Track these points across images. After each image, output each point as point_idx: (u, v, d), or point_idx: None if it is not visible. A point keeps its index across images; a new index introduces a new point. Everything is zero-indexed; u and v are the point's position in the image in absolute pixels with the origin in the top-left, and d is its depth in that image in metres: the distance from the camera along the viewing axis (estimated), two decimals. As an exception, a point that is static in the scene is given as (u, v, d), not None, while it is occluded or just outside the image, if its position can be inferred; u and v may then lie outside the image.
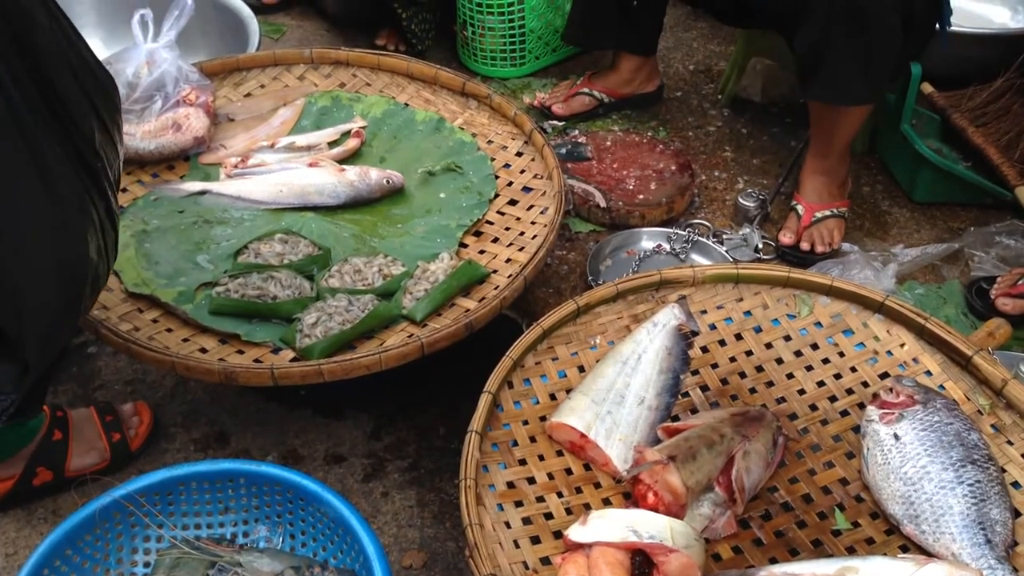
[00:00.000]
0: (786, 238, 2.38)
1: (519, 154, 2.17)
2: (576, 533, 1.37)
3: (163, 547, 1.53)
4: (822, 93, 2.23)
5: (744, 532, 1.47)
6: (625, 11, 2.61)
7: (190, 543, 1.52)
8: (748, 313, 1.78)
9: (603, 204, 2.42)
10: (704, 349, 1.73)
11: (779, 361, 1.72)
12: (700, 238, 2.39)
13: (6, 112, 1.24)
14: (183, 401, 2.02)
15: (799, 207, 2.38)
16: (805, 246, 2.35)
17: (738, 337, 1.75)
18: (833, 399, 1.66)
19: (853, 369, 1.70)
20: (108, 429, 1.86)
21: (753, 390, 1.67)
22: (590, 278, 2.24)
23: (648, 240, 2.40)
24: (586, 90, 2.77)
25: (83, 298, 1.47)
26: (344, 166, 2.09)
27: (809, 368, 1.71)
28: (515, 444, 1.57)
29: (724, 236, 2.41)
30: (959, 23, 2.65)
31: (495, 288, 1.84)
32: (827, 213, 2.37)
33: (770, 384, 1.68)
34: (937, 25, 2.29)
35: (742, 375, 1.70)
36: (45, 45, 1.31)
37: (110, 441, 1.85)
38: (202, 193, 2.04)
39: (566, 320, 1.72)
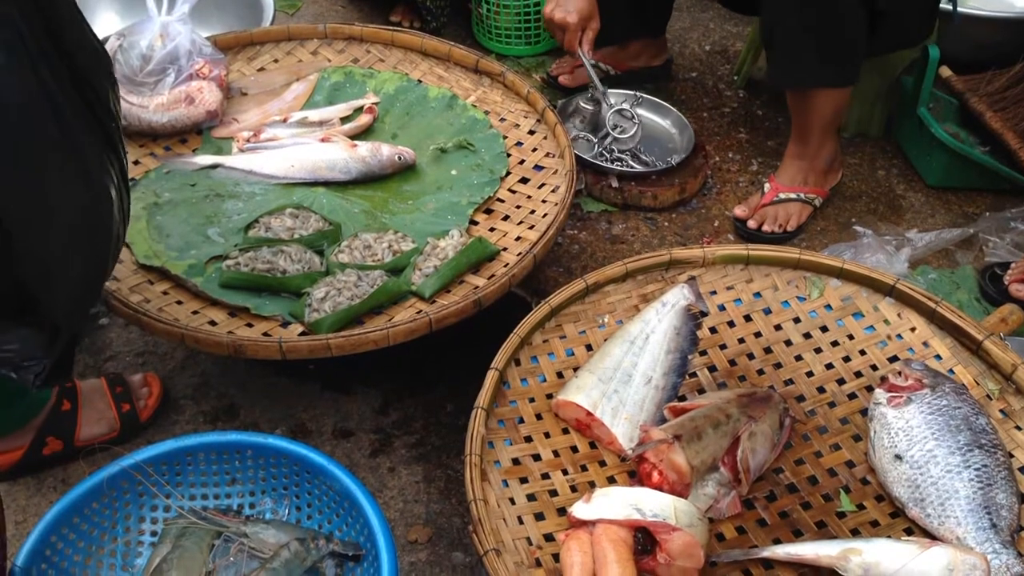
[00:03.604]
0: (739, 210, 2.38)
1: (531, 132, 2.17)
2: (580, 510, 1.38)
3: (170, 516, 1.54)
4: (780, 77, 2.25)
5: (748, 512, 1.47)
6: (639, 7, 2.61)
7: (197, 513, 1.53)
8: (758, 294, 1.77)
9: (616, 184, 2.42)
10: (713, 330, 1.73)
11: (788, 343, 1.71)
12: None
13: (34, 80, 1.25)
14: (193, 373, 2.03)
15: (767, 184, 2.38)
16: (752, 224, 2.34)
17: (747, 318, 1.74)
18: (841, 382, 1.66)
19: (862, 352, 1.69)
20: (118, 400, 1.87)
21: (761, 371, 1.67)
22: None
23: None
24: (592, 61, 2.76)
25: (109, 257, 1.49)
26: (356, 142, 2.09)
27: (818, 350, 1.70)
28: (521, 421, 1.57)
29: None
30: (980, 7, 2.63)
31: (504, 266, 1.84)
32: (792, 196, 2.35)
33: (778, 366, 1.68)
34: (950, 5, 2.27)
35: (750, 356, 1.69)
36: (60, 3, 1.32)
37: (120, 411, 1.86)
38: (214, 167, 2.04)
39: (574, 299, 1.71)
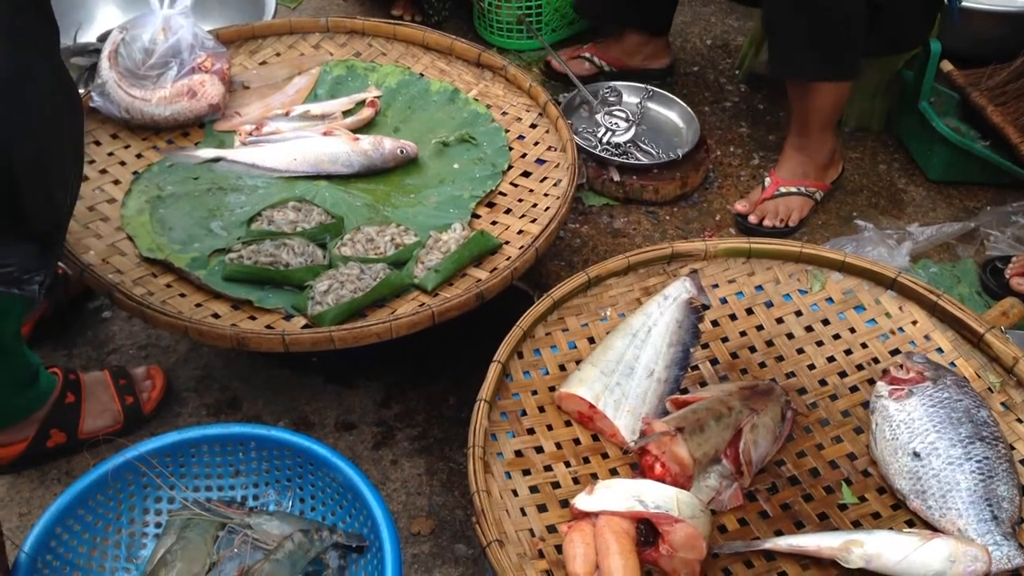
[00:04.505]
0: (740, 206, 2.39)
1: (533, 126, 2.17)
2: (583, 502, 1.38)
3: (174, 508, 1.55)
4: (777, 68, 2.26)
5: (750, 504, 1.48)
6: None
7: (201, 505, 1.54)
8: (759, 287, 1.77)
9: (617, 178, 2.42)
10: (715, 323, 1.73)
11: (790, 336, 1.72)
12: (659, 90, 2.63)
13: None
14: (196, 366, 2.04)
15: (767, 179, 2.39)
16: (753, 219, 2.35)
17: (749, 311, 1.75)
18: (843, 374, 1.66)
19: (864, 345, 1.70)
20: (121, 392, 1.88)
21: (763, 364, 1.67)
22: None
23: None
24: (587, 55, 2.77)
25: (83, 141, 1.61)
26: (358, 135, 2.09)
27: (820, 343, 1.70)
28: (524, 413, 1.57)
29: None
30: (981, 1, 2.63)
31: (507, 259, 1.85)
32: (793, 190, 2.36)
33: (780, 358, 1.68)
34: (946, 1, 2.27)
35: (752, 349, 1.70)
36: None
37: (123, 404, 1.87)
38: (216, 160, 2.04)
39: (577, 291, 1.72)
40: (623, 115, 2.53)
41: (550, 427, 1.57)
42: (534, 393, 1.60)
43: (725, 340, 1.71)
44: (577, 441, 1.56)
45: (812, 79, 2.23)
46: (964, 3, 2.55)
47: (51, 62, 1.42)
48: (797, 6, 2.11)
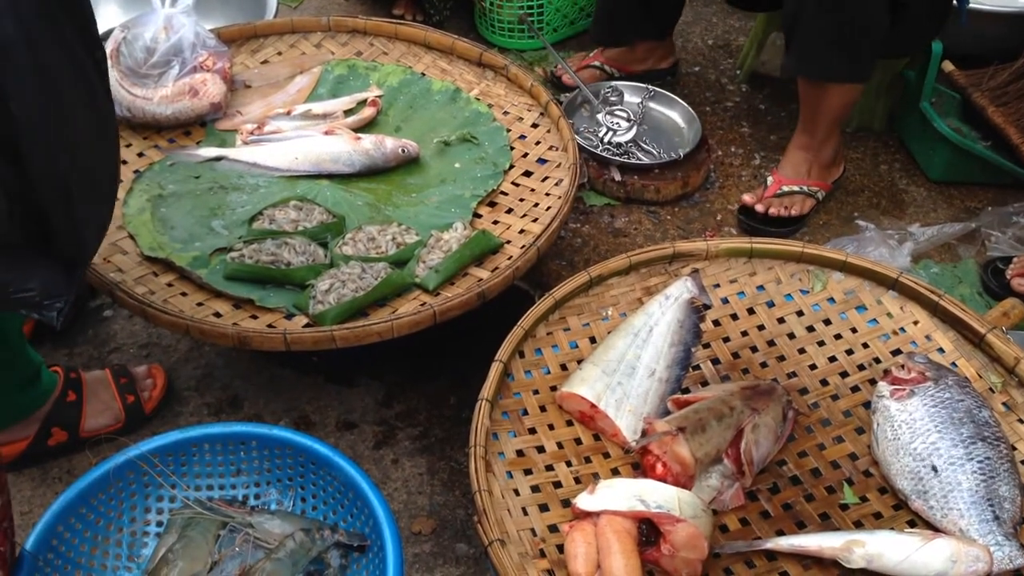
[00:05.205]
0: (747, 197, 2.39)
1: (535, 125, 2.17)
2: (584, 501, 1.38)
3: (176, 507, 1.55)
4: (796, 66, 2.24)
5: (752, 504, 1.48)
6: (647, 4, 2.61)
7: (202, 503, 1.54)
8: (761, 287, 1.77)
9: (618, 178, 2.42)
10: (716, 323, 1.73)
11: (791, 336, 1.72)
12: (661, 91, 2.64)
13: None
14: (197, 365, 2.04)
15: (769, 178, 2.39)
16: (760, 208, 2.35)
17: (750, 311, 1.75)
18: (844, 374, 1.66)
19: (865, 345, 1.70)
20: (122, 391, 1.88)
21: (764, 364, 1.67)
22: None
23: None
24: (597, 63, 2.76)
25: (118, 174, 1.55)
26: (360, 135, 2.09)
27: (821, 343, 1.70)
28: (525, 413, 1.57)
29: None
30: (983, 1, 2.63)
31: (508, 258, 1.85)
32: (795, 188, 2.36)
33: (781, 358, 1.68)
34: (955, 1, 2.27)
35: (753, 349, 1.70)
36: None
37: (124, 403, 1.87)
38: (218, 159, 2.04)
39: (578, 291, 1.72)
40: (624, 115, 2.53)
41: (551, 426, 1.57)
42: (535, 392, 1.60)
43: (726, 340, 1.71)
44: (579, 441, 1.56)
45: (832, 79, 2.22)
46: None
47: (85, 81, 1.37)
48: (822, 6, 2.10)
